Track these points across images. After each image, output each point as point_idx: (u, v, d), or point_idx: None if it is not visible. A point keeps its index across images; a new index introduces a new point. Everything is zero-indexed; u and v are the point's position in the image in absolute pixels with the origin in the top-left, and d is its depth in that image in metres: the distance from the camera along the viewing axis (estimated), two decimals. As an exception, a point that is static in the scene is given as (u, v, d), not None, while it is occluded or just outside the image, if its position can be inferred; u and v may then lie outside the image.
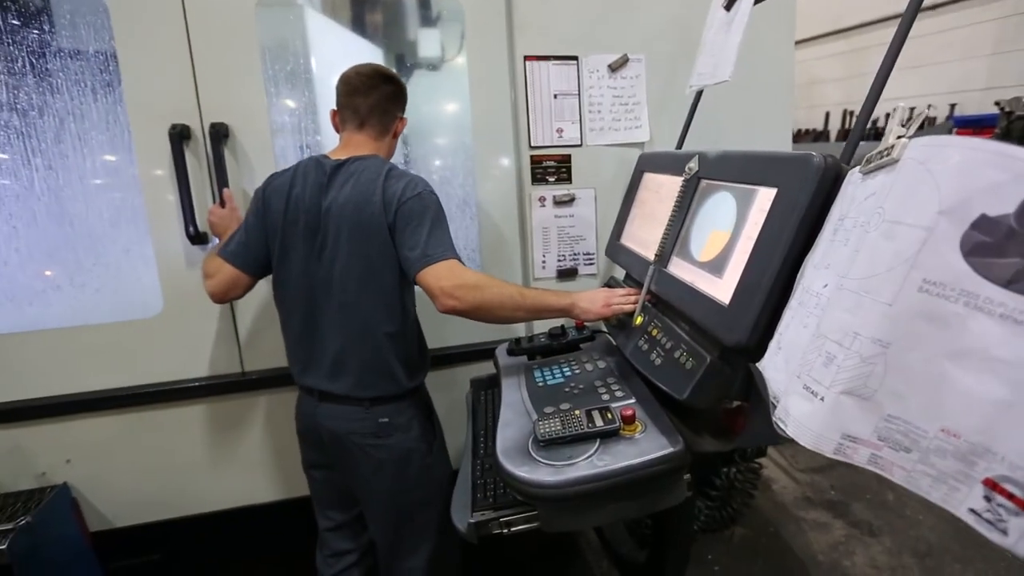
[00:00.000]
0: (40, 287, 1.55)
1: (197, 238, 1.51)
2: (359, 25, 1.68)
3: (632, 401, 1.05)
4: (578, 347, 1.37)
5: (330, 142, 1.44)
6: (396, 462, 1.19)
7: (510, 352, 1.38)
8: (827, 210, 0.70)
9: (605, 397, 1.07)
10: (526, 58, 1.62)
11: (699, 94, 1.38)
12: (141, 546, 1.74)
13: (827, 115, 3.72)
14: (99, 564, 1.66)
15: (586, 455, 0.90)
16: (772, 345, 0.68)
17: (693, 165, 1.06)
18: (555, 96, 1.65)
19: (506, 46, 1.62)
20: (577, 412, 0.99)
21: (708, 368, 0.85)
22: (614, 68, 1.67)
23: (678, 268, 1.04)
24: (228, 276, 1.20)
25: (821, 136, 3.66)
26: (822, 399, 0.48)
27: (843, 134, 3.49)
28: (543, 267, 1.75)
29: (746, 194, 0.87)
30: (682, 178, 1.09)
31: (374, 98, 1.19)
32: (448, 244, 1.11)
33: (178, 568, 1.80)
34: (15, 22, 1.43)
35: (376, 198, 1.09)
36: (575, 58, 1.65)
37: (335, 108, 1.24)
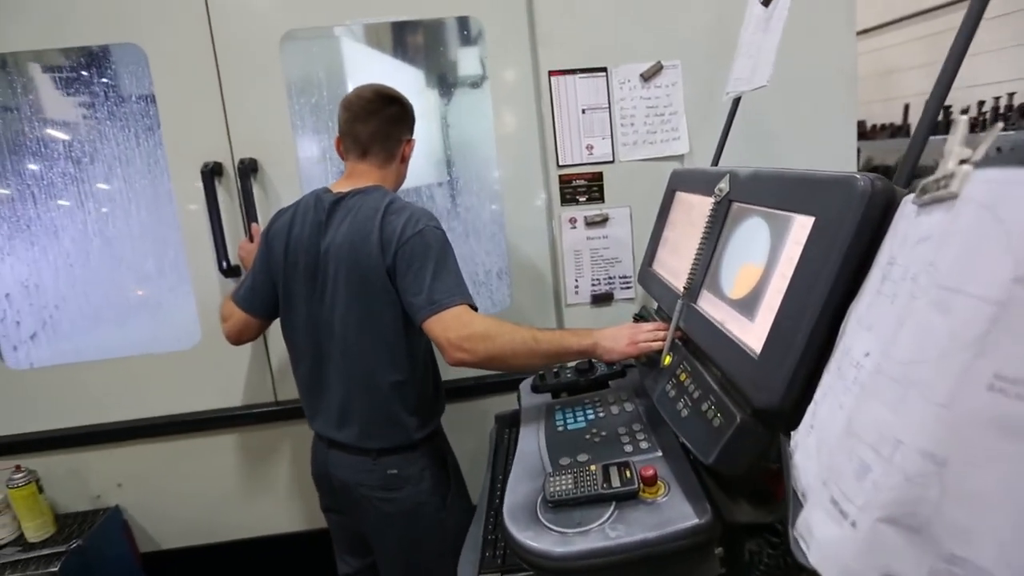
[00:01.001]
0: (93, 320, 1.64)
1: (230, 271, 1.55)
2: (399, 48, 1.66)
3: (658, 455, 0.93)
4: (607, 384, 1.26)
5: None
6: (407, 515, 1.12)
7: (534, 388, 1.29)
8: (877, 246, 0.56)
9: (628, 448, 0.96)
10: (551, 73, 1.53)
11: (737, 101, 1.24)
12: (188, 568, 1.79)
13: (906, 107, 3.34)
14: (149, 585, 1.73)
15: (599, 521, 0.80)
16: (807, 417, 0.55)
17: (724, 186, 0.93)
18: (583, 111, 1.56)
19: (530, 61, 1.55)
20: (593, 468, 0.89)
21: (738, 429, 0.72)
22: (647, 77, 1.55)
23: (708, 304, 0.91)
24: (239, 320, 1.20)
25: (900, 131, 3.28)
26: (853, 524, 0.35)
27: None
28: (576, 292, 1.64)
29: (780, 222, 0.74)
30: (712, 199, 0.96)
31: (375, 124, 1.13)
32: (455, 287, 1.02)
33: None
34: (68, 75, 1.53)
35: (373, 237, 1.03)
36: (604, 69, 1.54)
37: (338, 135, 1.19)
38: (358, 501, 1.14)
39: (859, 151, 2.79)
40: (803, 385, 0.62)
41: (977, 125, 2.95)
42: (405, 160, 1.21)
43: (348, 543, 1.28)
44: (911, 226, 0.47)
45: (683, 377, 0.93)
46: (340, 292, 1.07)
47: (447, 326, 0.98)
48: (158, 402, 1.63)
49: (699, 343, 0.89)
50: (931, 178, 0.45)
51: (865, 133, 3.55)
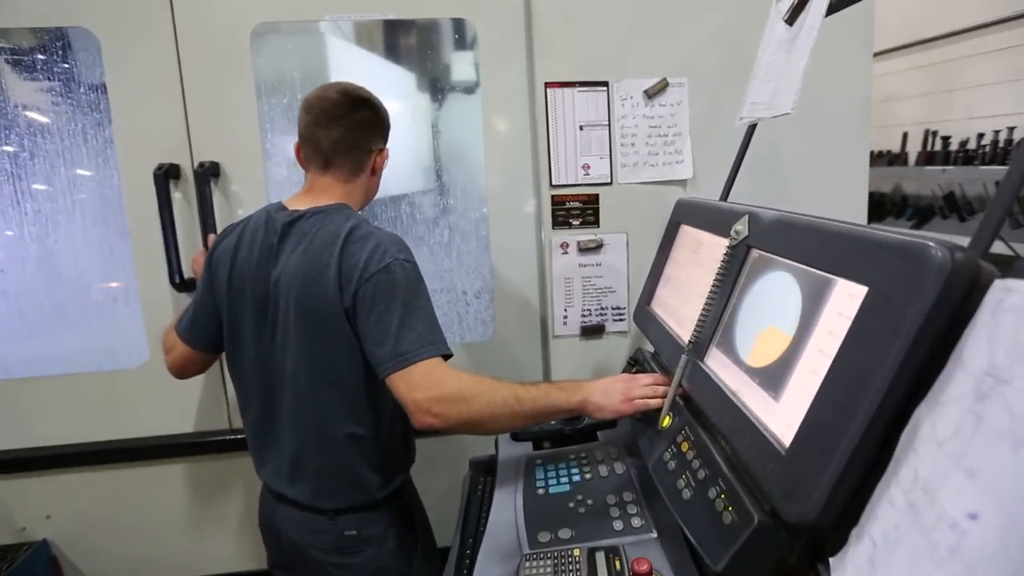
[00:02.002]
0: (25, 333, 1.47)
1: (183, 285, 1.39)
2: (389, 49, 1.52)
3: (652, 536, 0.80)
4: (595, 435, 1.13)
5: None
6: None
7: (514, 436, 1.16)
8: (953, 336, 0.44)
9: (618, 526, 0.83)
10: (547, 85, 1.41)
11: (753, 128, 1.12)
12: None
13: (904, 135, 3.29)
14: (78, 628, 1.56)
15: (583, 627, 0.67)
16: (862, 561, 0.43)
17: (741, 228, 0.81)
18: (581, 127, 1.43)
19: (525, 71, 1.43)
20: (577, 552, 0.76)
21: (755, 532, 0.60)
22: (651, 94, 1.43)
23: (719, 366, 0.79)
24: (182, 354, 1.05)
25: (898, 159, 3.24)
26: None
27: (925, 157, 3.05)
28: (564, 323, 1.51)
29: (817, 284, 0.61)
30: (727, 242, 0.84)
31: (340, 130, 0.95)
32: (425, 335, 0.86)
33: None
34: (6, 57, 1.36)
35: (330, 272, 0.87)
36: (605, 84, 1.43)
37: (298, 141, 1.00)
38: (309, 563, 0.99)
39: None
40: (847, 501, 0.50)
41: (976, 157, 2.93)
42: (376, 173, 1.04)
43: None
44: (1016, 321, 0.35)
45: (685, 447, 0.80)
46: (291, 332, 0.92)
47: (414, 385, 0.84)
48: (97, 426, 1.46)
49: (706, 411, 0.77)
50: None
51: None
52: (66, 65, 1.37)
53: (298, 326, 0.90)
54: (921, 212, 3.04)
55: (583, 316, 1.51)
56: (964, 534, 0.32)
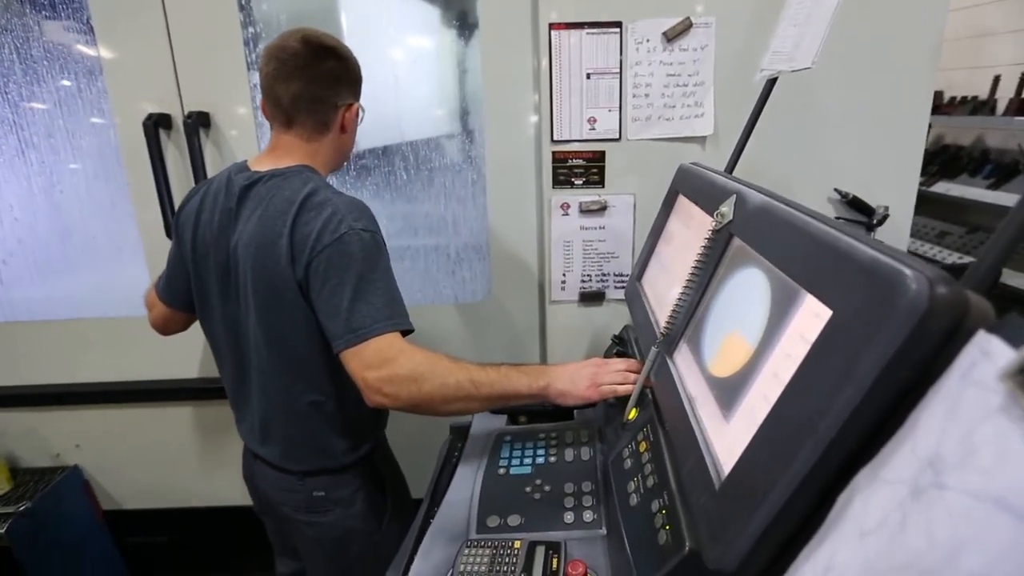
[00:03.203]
0: (47, 278, 1.54)
1: (179, 237, 1.40)
2: None
3: (600, 533, 0.76)
4: (571, 413, 1.08)
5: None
6: (335, 542, 1.00)
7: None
8: (923, 385, 0.36)
9: (568, 518, 0.80)
10: (551, 26, 1.26)
11: (772, 82, 0.96)
12: (150, 527, 1.78)
13: (996, 79, 2.86)
14: (112, 540, 1.73)
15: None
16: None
17: (727, 211, 0.70)
18: (588, 75, 1.29)
19: (529, 9, 1.28)
20: (517, 544, 0.74)
21: (683, 562, 0.54)
22: (671, 37, 1.26)
23: (684, 364, 0.71)
24: (161, 312, 1.06)
25: (982, 107, 2.81)
26: None
27: (1017, 106, 2.63)
28: (563, 288, 1.44)
29: (787, 294, 0.52)
30: (712, 224, 0.73)
31: (300, 84, 0.87)
32: (381, 309, 0.82)
33: (184, 552, 1.84)
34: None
35: (283, 241, 0.83)
36: (618, 24, 1.26)
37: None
38: (283, 518, 1.03)
39: (930, 127, 2.38)
40: (772, 556, 0.43)
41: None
42: (347, 131, 0.96)
43: (282, 546, 1.19)
44: (993, 420, 0.26)
45: (643, 447, 0.74)
46: (250, 300, 0.90)
47: (366, 363, 0.80)
48: (116, 367, 1.55)
49: (664, 415, 0.70)
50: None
51: (941, 106, 3.07)
52: (53, 10, 1.33)
53: (255, 296, 0.88)
54: (1003, 169, 2.65)
55: (583, 281, 1.43)
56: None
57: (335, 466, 0.98)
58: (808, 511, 0.42)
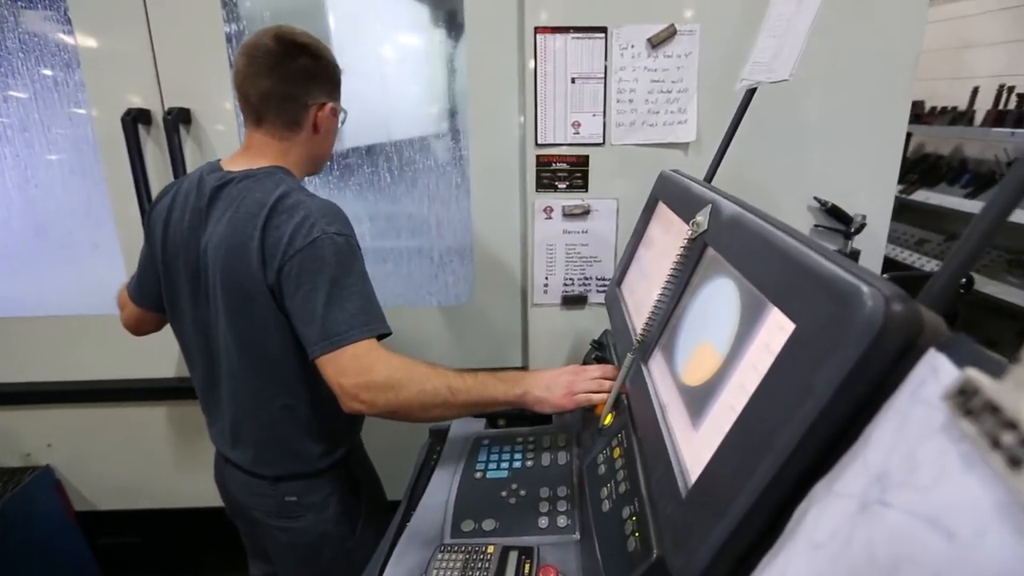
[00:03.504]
0: (21, 274, 1.51)
1: (157, 234, 1.38)
2: None
3: (573, 538, 0.77)
4: (550, 418, 1.09)
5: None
6: (307, 546, 0.99)
7: (470, 409, 1.13)
8: (879, 397, 0.36)
9: (543, 523, 0.80)
10: (537, 30, 1.26)
11: (752, 92, 0.98)
12: (123, 528, 1.75)
13: (974, 90, 2.92)
14: (85, 540, 1.70)
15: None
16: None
17: (702, 220, 0.70)
18: (572, 80, 1.29)
19: (515, 11, 1.28)
20: (490, 549, 0.74)
21: (652, 568, 0.55)
22: (655, 43, 1.27)
23: (658, 371, 0.72)
24: (133, 312, 1.04)
25: (961, 118, 2.87)
26: None
27: (995, 117, 2.69)
28: (545, 291, 1.44)
29: (755, 305, 0.53)
30: (687, 232, 0.74)
31: (269, 81, 0.85)
32: (356, 315, 0.81)
33: (157, 552, 1.81)
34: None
35: (253, 244, 0.81)
36: (603, 30, 1.26)
37: None
38: (254, 523, 1.01)
39: (910, 136, 2.43)
40: (733, 567, 0.44)
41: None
42: (320, 131, 0.92)
43: (255, 549, 1.18)
44: (935, 438, 0.27)
45: (617, 453, 0.75)
46: (220, 304, 0.88)
47: (342, 369, 0.79)
48: (89, 365, 1.52)
49: (637, 422, 0.71)
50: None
51: (922, 115, 3.14)
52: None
53: (225, 300, 0.87)
54: (980, 179, 2.71)
55: (565, 285, 1.44)
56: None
57: (309, 471, 0.97)
58: (769, 522, 0.42)
